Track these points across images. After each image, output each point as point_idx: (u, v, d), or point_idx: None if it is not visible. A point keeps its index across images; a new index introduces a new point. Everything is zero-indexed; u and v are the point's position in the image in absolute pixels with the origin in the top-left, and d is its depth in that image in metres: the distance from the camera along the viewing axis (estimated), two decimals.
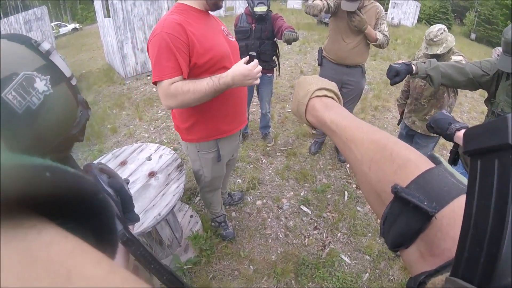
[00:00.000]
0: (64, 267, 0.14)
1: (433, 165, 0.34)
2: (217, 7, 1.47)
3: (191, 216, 2.51)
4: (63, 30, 20.92)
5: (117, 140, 3.84)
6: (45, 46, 0.57)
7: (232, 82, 1.34)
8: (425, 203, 0.30)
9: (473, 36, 30.84)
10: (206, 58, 1.37)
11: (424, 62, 1.69)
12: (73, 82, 0.61)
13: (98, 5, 6.76)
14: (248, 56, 1.37)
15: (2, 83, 0.48)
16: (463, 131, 0.97)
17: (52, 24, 16.66)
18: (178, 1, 1.45)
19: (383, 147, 0.40)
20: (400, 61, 1.74)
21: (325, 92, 0.59)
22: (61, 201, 0.16)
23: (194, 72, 1.39)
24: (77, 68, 7.56)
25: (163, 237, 2.02)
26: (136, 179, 1.83)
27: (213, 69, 1.42)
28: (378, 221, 0.36)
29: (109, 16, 5.88)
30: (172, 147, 3.45)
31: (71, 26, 22.46)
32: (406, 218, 0.31)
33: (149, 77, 6.10)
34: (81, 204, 0.18)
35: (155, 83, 1.36)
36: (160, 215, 1.60)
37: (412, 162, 0.35)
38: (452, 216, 0.29)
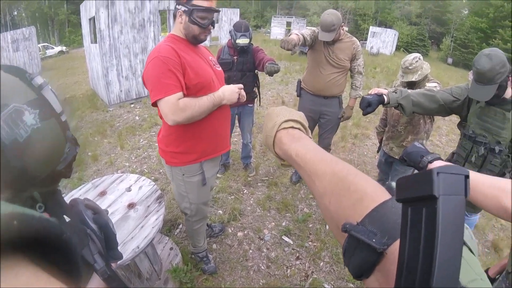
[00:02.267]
0: None
1: (389, 196, 0.35)
2: (197, 41, 1.61)
3: (171, 249, 2.45)
4: (49, 52, 20.89)
5: (98, 168, 3.78)
6: (38, 80, 0.58)
7: (223, 95, 1.60)
8: (374, 239, 0.30)
9: (450, 60, 32.24)
10: (195, 81, 1.52)
11: (395, 92, 1.73)
12: (63, 118, 0.61)
13: (85, 30, 6.84)
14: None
15: None
16: (435, 163, 0.99)
17: (39, 45, 16.64)
18: (169, 33, 1.63)
19: (343, 179, 0.40)
20: (373, 92, 1.78)
21: (291, 124, 0.58)
22: (29, 241, 0.18)
23: (185, 93, 1.51)
24: (61, 92, 7.50)
25: (142, 270, 1.97)
26: (115, 210, 1.80)
27: (201, 93, 1.56)
28: None
29: (95, 42, 5.94)
30: (153, 177, 3.42)
31: (58, 48, 22.49)
32: (361, 252, 0.32)
33: (132, 105, 6.11)
34: (47, 243, 0.21)
35: (155, 103, 1.47)
36: (138, 247, 1.56)
37: (368, 196, 0.36)
38: None
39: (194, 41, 1.60)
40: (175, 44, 1.51)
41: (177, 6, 1.55)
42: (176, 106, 1.43)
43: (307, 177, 0.48)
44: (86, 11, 6.49)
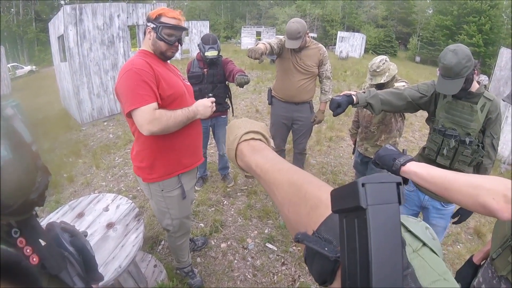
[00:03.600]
0: None
1: None
2: (165, 57, 1.66)
3: (155, 266, 2.42)
4: (19, 72, 20.12)
5: (74, 189, 3.69)
6: (8, 112, 0.58)
7: (197, 110, 1.65)
8: (327, 247, 0.30)
9: (417, 59, 33.51)
10: (169, 92, 1.56)
11: (364, 92, 1.76)
12: (34, 147, 0.61)
13: (54, 48, 6.68)
14: (207, 96, 1.75)
15: None
16: (408, 165, 0.96)
17: (9, 65, 16.08)
18: (140, 49, 1.67)
19: (299, 188, 0.40)
20: (342, 94, 1.80)
21: (252, 135, 0.59)
22: None
23: (159, 104, 1.52)
24: (33, 114, 7.26)
25: None
26: (94, 231, 1.78)
27: (175, 104, 1.60)
28: None
29: (65, 60, 5.81)
30: (130, 195, 3.37)
31: (27, 68, 21.70)
32: (318, 261, 0.32)
33: (105, 123, 5.99)
34: (8, 270, 0.23)
35: (129, 113, 1.47)
36: (120, 267, 1.55)
37: (322, 203, 0.36)
38: None
39: (162, 57, 1.66)
40: (147, 58, 1.56)
41: (147, 23, 1.61)
42: (152, 116, 1.44)
43: (267, 187, 0.49)
44: (55, 29, 6.35)
